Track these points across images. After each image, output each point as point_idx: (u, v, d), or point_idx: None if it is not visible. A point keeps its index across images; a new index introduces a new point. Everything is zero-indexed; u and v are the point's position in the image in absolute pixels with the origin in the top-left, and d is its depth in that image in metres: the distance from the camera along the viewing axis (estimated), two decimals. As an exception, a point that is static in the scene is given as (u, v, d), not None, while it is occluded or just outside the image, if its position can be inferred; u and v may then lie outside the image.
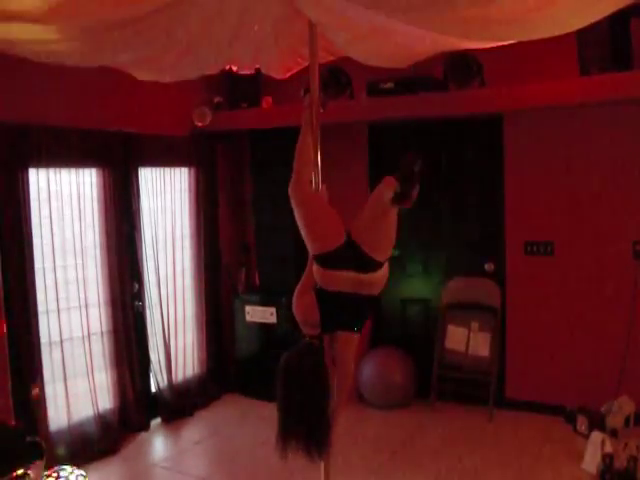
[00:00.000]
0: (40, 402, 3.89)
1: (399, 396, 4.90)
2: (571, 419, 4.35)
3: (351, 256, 2.40)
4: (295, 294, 2.58)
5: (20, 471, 3.38)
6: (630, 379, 4.24)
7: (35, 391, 3.84)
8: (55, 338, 4.06)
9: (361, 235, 2.42)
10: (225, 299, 5.51)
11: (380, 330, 5.25)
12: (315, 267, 2.47)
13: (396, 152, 5.01)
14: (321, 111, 2.68)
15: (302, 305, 2.52)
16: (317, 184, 2.67)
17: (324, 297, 2.46)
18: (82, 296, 4.24)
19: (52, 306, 4.05)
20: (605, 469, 3.61)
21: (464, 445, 4.28)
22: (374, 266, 2.43)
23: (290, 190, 2.52)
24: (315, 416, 2.28)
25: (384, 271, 2.48)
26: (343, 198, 5.07)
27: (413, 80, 4.38)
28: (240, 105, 5.25)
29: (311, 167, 2.62)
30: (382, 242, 2.44)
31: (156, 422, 4.84)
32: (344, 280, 2.42)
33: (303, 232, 2.48)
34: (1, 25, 2.20)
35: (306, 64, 2.82)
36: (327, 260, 2.43)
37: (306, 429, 2.28)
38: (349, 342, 2.50)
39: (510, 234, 4.71)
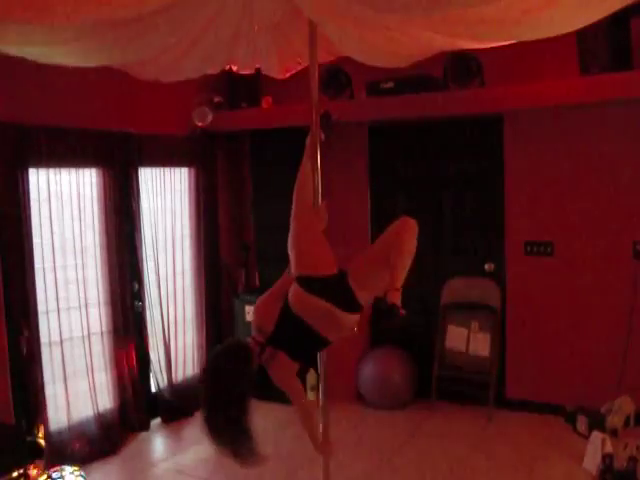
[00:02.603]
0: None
1: (399, 396, 4.90)
2: (571, 419, 4.35)
3: (337, 290, 2.39)
4: (262, 299, 2.59)
5: (20, 471, 3.38)
6: (630, 379, 4.24)
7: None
8: (55, 338, 4.06)
9: (357, 276, 2.41)
10: (225, 299, 5.50)
11: (380, 330, 5.25)
12: (295, 287, 2.44)
13: (396, 152, 5.08)
14: (322, 138, 2.70)
15: (263, 312, 2.52)
16: (318, 193, 2.69)
17: (287, 316, 2.44)
18: (82, 296, 4.24)
19: (52, 306, 4.05)
20: (605, 469, 3.61)
21: (464, 445, 4.28)
22: (355, 308, 2.41)
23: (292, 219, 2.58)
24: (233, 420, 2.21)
25: (357, 317, 2.46)
26: (344, 198, 5.12)
27: (413, 80, 4.38)
28: (240, 105, 5.25)
29: (311, 195, 2.66)
30: (373, 290, 2.42)
31: (156, 422, 4.84)
32: (316, 308, 2.38)
33: (293, 252, 2.51)
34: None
35: (306, 64, 2.82)
36: (311, 283, 2.41)
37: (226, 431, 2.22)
38: (284, 367, 2.44)
39: (510, 234, 4.71)
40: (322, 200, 2.71)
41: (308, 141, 2.73)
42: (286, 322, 2.44)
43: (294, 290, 2.45)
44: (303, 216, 2.59)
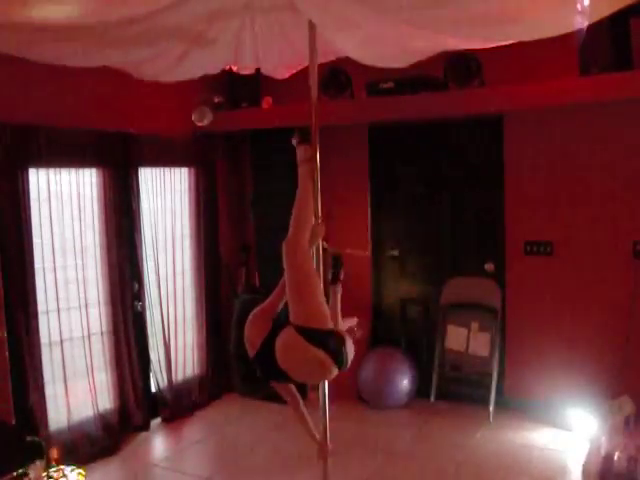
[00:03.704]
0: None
1: (399, 396, 4.90)
2: (571, 419, 4.35)
3: (334, 344, 2.41)
4: (254, 315, 2.62)
5: (20, 471, 3.38)
6: (630, 379, 4.24)
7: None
8: (55, 338, 4.06)
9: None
10: (225, 299, 5.50)
11: (380, 330, 5.25)
12: (292, 333, 2.40)
13: (396, 152, 5.08)
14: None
15: (254, 331, 2.60)
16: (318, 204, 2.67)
17: (271, 342, 2.49)
18: (82, 296, 4.24)
19: (52, 306, 4.05)
20: (605, 469, 3.61)
21: (464, 445, 4.28)
22: (343, 365, 2.46)
23: (287, 247, 2.46)
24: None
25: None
26: (343, 199, 5.12)
27: (413, 80, 4.38)
28: (240, 105, 5.25)
29: (311, 225, 2.60)
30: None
31: (156, 422, 4.84)
32: (308, 354, 2.36)
33: (294, 295, 2.44)
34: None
35: (306, 64, 2.82)
36: (314, 336, 2.36)
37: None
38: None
39: (510, 234, 4.71)
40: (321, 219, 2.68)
41: (303, 169, 2.63)
42: (264, 356, 2.52)
43: (293, 337, 2.40)
44: (312, 268, 2.54)
